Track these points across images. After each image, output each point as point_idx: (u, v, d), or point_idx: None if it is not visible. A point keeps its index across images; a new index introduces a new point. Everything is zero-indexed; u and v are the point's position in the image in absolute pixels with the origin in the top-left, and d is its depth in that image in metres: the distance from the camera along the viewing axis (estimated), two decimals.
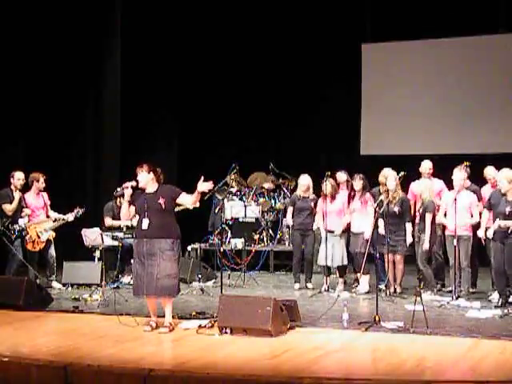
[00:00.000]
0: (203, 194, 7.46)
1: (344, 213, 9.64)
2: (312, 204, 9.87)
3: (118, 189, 7.63)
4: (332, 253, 9.53)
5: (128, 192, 7.32)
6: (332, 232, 9.55)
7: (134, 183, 7.32)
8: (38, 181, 9.96)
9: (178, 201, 7.31)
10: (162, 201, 7.11)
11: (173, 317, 7.37)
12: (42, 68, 12.20)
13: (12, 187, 9.78)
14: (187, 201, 7.34)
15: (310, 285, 9.95)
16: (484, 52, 12.76)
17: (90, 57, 12.71)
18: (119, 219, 10.39)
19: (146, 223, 7.12)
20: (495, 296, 8.65)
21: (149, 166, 7.26)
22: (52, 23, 12.18)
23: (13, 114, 12.00)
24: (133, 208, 7.36)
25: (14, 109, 12.00)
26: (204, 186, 7.13)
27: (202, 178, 7.16)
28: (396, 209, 9.10)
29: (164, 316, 7.26)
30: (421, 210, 9.10)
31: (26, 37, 11.94)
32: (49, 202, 10.18)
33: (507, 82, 12.57)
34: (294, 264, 10.18)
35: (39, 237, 9.84)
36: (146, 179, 7.22)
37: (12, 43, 11.81)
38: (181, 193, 7.27)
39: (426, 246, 8.97)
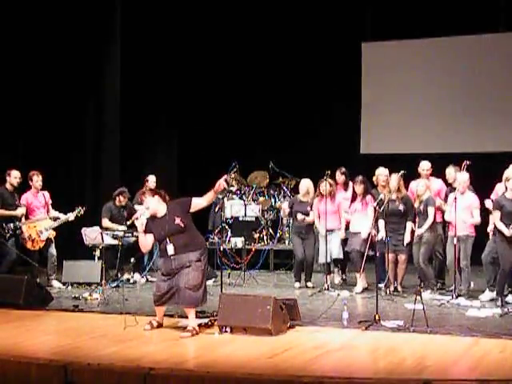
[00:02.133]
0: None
1: (340, 213, 9.73)
2: (309, 208, 9.90)
3: (128, 222, 7.49)
4: (329, 248, 9.60)
5: (140, 222, 6.90)
6: (331, 231, 9.61)
7: (143, 211, 6.91)
8: (31, 179, 9.94)
9: (193, 208, 7.00)
10: (178, 220, 6.86)
11: (172, 316, 7.37)
12: (43, 73, 12.27)
13: (8, 186, 9.77)
14: (202, 203, 7.05)
15: (309, 284, 9.96)
16: (485, 51, 12.77)
17: (90, 61, 12.77)
18: (117, 220, 10.39)
19: (171, 249, 6.85)
20: (486, 295, 8.64)
21: (151, 190, 7.14)
22: (52, 29, 12.24)
23: (13, 117, 12.04)
24: (150, 236, 6.98)
25: (14, 112, 12.04)
26: (221, 184, 6.92)
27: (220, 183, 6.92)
28: (401, 207, 9.10)
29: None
30: (421, 207, 9.10)
31: (27, 41, 12.01)
32: (50, 202, 10.17)
33: (508, 80, 12.57)
34: (295, 265, 10.21)
35: (39, 236, 9.84)
36: (154, 203, 6.93)
37: (14, 47, 11.88)
38: (191, 201, 6.99)
39: (420, 231, 8.96)
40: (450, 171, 9.44)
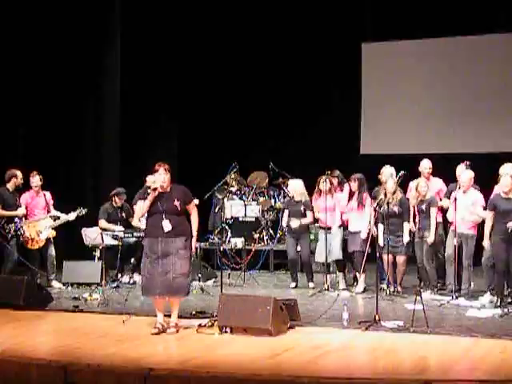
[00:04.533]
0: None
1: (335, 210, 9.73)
2: (303, 208, 9.92)
3: (154, 185, 7.30)
4: (329, 248, 9.57)
5: (156, 193, 7.09)
6: (329, 228, 9.61)
7: (159, 184, 7.09)
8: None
9: (189, 206, 7.24)
10: (177, 203, 7.08)
11: (170, 316, 7.36)
12: (42, 71, 12.23)
13: (9, 186, 9.75)
14: (191, 215, 7.31)
15: (311, 284, 9.95)
16: (484, 51, 12.73)
17: (90, 59, 12.74)
18: (114, 221, 10.37)
19: (168, 226, 7.02)
20: (486, 298, 8.61)
21: (167, 167, 7.19)
22: (52, 27, 12.21)
23: (12, 117, 12.03)
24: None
25: (13, 112, 12.02)
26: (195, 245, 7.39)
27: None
28: (396, 208, 9.10)
29: (170, 316, 7.26)
30: (424, 207, 9.09)
31: (27, 37, 11.98)
32: (51, 201, 10.15)
33: (507, 81, 12.56)
34: (289, 265, 10.35)
35: (39, 235, 9.83)
36: (168, 179, 7.15)
37: (13, 43, 11.85)
38: (192, 201, 7.28)
39: (431, 239, 8.96)
40: (461, 169, 9.37)
